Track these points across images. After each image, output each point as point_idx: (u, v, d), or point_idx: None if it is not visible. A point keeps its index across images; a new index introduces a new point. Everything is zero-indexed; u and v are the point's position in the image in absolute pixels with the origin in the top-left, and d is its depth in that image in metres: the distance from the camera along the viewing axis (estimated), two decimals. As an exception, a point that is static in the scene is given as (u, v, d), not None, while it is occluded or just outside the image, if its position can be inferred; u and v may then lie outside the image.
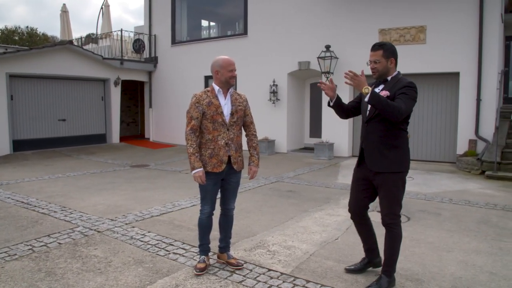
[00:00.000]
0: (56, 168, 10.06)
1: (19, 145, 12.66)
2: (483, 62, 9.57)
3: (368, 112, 3.47)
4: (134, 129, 18.62)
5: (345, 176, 8.68)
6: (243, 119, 3.90)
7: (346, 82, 3.30)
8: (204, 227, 3.92)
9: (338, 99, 3.67)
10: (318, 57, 11.18)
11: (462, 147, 10.01)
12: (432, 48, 10.18)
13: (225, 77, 3.70)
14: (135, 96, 18.40)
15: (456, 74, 10.10)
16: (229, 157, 3.76)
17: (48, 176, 8.92)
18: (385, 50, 3.37)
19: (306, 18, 12.05)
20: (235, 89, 13.47)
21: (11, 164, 10.77)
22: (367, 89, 3.13)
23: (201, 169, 3.64)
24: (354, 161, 10.71)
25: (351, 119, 11.65)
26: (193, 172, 3.65)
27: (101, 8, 17.38)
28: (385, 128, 3.34)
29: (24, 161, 11.23)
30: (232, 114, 3.76)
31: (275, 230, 5.13)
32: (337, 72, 11.26)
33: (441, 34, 10.06)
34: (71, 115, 14.13)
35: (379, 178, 3.40)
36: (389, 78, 3.42)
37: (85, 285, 3.62)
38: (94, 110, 14.81)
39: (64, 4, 17.79)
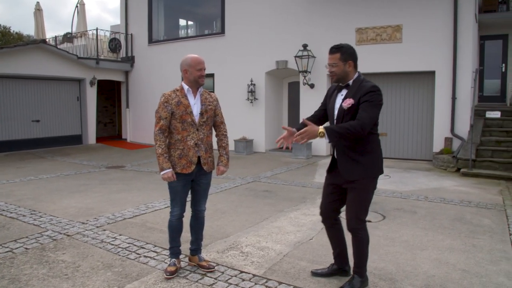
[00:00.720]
0: (28, 171, 9.78)
1: (-10, 147, 12.32)
2: (458, 61, 9.68)
3: (335, 117, 3.34)
4: (111, 129, 18.32)
5: (322, 175, 8.56)
6: (213, 119, 3.81)
7: (302, 143, 3.18)
8: (174, 229, 3.82)
9: (314, 121, 3.46)
10: (296, 56, 11.16)
11: (438, 145, 10.11)
12: (408, 47, 10.26)
13: (193, 76, 3.61)
14: (112, 96, 18.10)
15: (432, 73, 10.20)
16: (199, 157, 3.66)
17: (19, 179, 8.66)
18: (343, 53, 3.25)
19: (284, 18, 12.02)
20: (213, 88, 13.53)
21: (-18, 166, 10.44)
22: (321, 133, 3.01)
23: (170, 169, 3.55)
24: (332, 160, 10.80)
25: (329, 118, 11.65)
26: (162, 173, 3.55)
27: (76, 6, 17.06)
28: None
29: (-5, 164, 10.90)
30: (201, 114, 3.67)
31: (249, 231, 5.06)
32: (314, 71, 11.27)
33: (417, 33, 10.14)
34: (46, 116, 13.81)
35: (351, 183, 3.31)
36: (350, 82, 3.31)
37: (50, 292, 3.49)
38: (70, 110, 14.50)
39: (37, 2, 17.40)
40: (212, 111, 3.76)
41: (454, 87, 9.77)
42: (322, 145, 11.68)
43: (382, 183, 7.89)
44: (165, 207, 6.15)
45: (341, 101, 3.29)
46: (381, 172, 3.34)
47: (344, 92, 3.34)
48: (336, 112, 3.34)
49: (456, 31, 9.60)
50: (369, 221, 5.39)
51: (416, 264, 4.02)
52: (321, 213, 3.65)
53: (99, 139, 15.70)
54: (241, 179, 8.43)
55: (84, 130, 14.88)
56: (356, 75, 3.33)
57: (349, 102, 3.19)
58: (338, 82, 3.37)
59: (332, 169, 3.49)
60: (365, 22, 10.76)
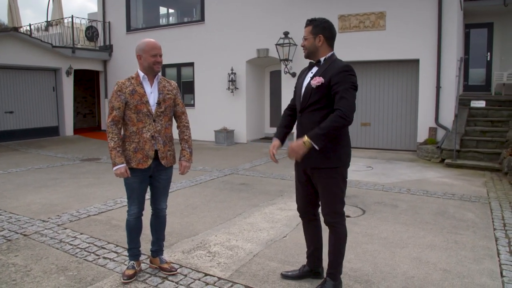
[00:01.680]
0: (-3, 164, 9.35)
1: (-40, 140, 11.82)
2: (442, 49, 9.43)
3: (301, 100, 3.05)
4: (91, 120, 17.79)
5: (304, 167, 8.38)
6: (172, 109, 3.46)
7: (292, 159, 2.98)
8: (132, 230, 3.50)
9: (287, 132, 3.30)
10: (277, 44, 10.81)
11: (422, 135, 9.90)
12: (391, 35, 9.97)
13: (147, 62, 3.24)
14: (91, 86, 17.54)
15: (416, 61, 9.94)
16: (156, 151, 3.33)
17: (-14, 173, 8.24)
18: (314, 26, 3.01)
19: (265, 5, 11.64)
20: (193, 77, 13.13)
21: (-51, 160, 9.97)
22: (306, 142, 2.80)
23: (123, 165, 3.21)
24: (314, 151, 10.55)
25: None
26: (114, 168, 3.22)
27: (52, -7, 16.41)
28: (321, 119, 2.88)
29: (-36, 157, 10.43)
30: (159, 103, 3.33)
31: (220, 228, 4.75)
32: (295, 59, 10.93)
33: (401, 21, 9.86)
34: (20, 107, 13.30)
35: (316, 174, 3.03)
36: (322, 59, 3.04)
37: (-7, 300, 3.16)
38: (45, 101, 14.00)
39: (12, -11, 16.70)
40: (171, 100, 3.41)
41: (439, 75, 9.52)
42: (304, 136, 11.38)
43: (364, 174, 7.65)
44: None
45: (310, 79, 3.01)
46: (347, 162, 3.05)
47: (314, 69, 3.06)
48: (303, 91, 3.05)
49: (440, 19, 9.32)
50: (348, 216, 5.12)
51: (395, 264, 3.75)
52: (298, 208, 3.33)
53: (77, 130, 15.22)
54: (219, 171, 8.11)
55: (61, 122, 14.40)
56: (330, 53, 3.05)
57: (319, 80, 2.91)
58: (308, 58, 3.11)
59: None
60: (347, 9, 10.44)
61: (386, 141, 10.67)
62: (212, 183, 7.08)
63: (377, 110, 10.67)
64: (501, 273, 3.58)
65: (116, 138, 3.24)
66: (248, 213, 5.30)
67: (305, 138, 2.81)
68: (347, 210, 5.35)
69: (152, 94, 3.32)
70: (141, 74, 3.33)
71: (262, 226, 4.79)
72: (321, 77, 2.92)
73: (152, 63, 3.24)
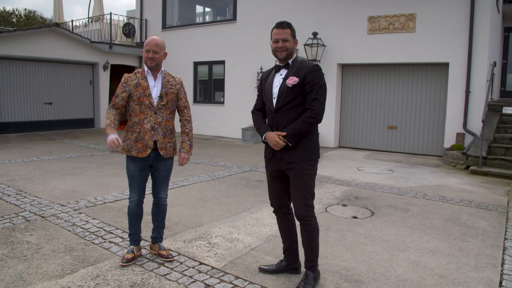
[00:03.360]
0: (33, 152, 9.86)
1: (3, 128, 12.50)
2: (474, 52, 9.16)
3: (275, 101, 3.19)
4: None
5: (323, 167, 8.39)
6: (175, 103, 3.63)
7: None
8: (133, 216, 3.67)
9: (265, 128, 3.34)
10: (305, 44, 10.81)
11: (449, 140, 9.66)
12: (421, 37, 9.78)
13: (144, 57, 3.45)
14: (128, 81, 18.08)
15: (446, 65, 9.70)
16: (156, 142, 3.48)
17: (21, 159, 8.72)
18: (292, 30, 3.20)
19: (294, 5, 11.68)
20: (223, 75, 13.33)
21: (-10, 146, 10.60)
22: (282, 139, 3.09)
23: (115, 135, 3.34)
24: (339, 152, 10.56)
25: (337, 109, 11.33)
26: (107, 139, 3.35)
27: (94, -10, 17.06)
28: (296, 117, 3.11)
29: (5, 144, 11.05)
30: (161, 96, 3.49)
31: (225, 221, 4.87)
32: (324, 60, 10.92)
33: (431, 23, 9.65)
34: (58, 99, 13.93)
35: (292, 168, 3.15)
36: (290, 61, 3.22)
37: (3, 273, 3.40)
38: (82, 94, 14.59)
39: (57, -14, 17.49)
40: (173, 94, 3.57)
41: (469, 79, 9.26)
42: (330, 137, 11.35)
43: (383, 178, 7.57)
44: (149, 193, 6.01)
45: (282, 80, 3.18)
46: (318, 156, 3.24)
47: (283, 72, 3.23)
48: (275, 90, 3.20)
49: (472, 22, 9.06)
50: (355, 217, 5.13)
51: (390, 266, 3.74)
52: (272, 204, 3.46)
53: (112, 123, 15.73)
54: (238, 167, 8.24)
55: (97, 114, 14.96)
56: (295, 55, 3.26)
57: (294, 79, 3.08)
58: (284, 59, 3.21)
59: (270, 156, 3.28)
60: (377, 10, 10.30)
61: (413, 145, 10.48)
62: (229, 179, 7.21)
63: (404, 113, 10.49)
64: (501, 283, 3.50)
65: (112, 118, 3.45)
66: (256, 209, 5.39)
67: (282, 137, 3.07)
68: (356, 211, 5.39)
69: (155, 88, 3.49)
70: (146, 68, 3.51)
71: (267, 222, 4.87)
72: (295, 77, 3.08)
73: (145, 59, 3.43)
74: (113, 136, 3.34)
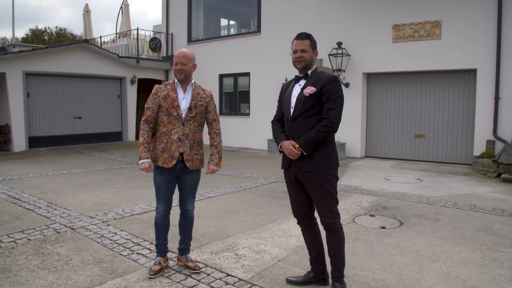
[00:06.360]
0: (63, 165, 10.11)
1: (35, 142, 12.88)
2: (502, 58, 8.96)
3: (292, 110, 3.23)
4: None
5: (350, 177, 8.30)
6: (204, 115, 3.67)
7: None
8: (160, 227, 3.71)
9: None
10: (329, 54, 10.79)
11: (479, 148, 9.42)
12: (447, 44, 9.63)
13: (173, 70, 3.53)
14: (154, 94, 18.42)
15: (473, 71, 9.52)
16: (182, 154, 3.52)
17: (52, 173, 8.95)
18: (312, 40, 3.22)
19: (318, 16, 11.70)
20: (248, 87, 13.40)
21: (23, 160, 10.92)
22: (297, 148, 3.10)
23: (148, 160, 3.46)
24: (366, 162, 10.44)
25: (364, 119, 11.21)
26: (140, 162, 3.49)
27: (121, 7, 17.52)
28: (312, 126, 3.13)
29: (36, 157, 11.37)
30: (190, 108, 3.54)
31: (252, 232, 4.86)
32: (349, 69, 10.86)
33: (457, 29, 9.50)
34: (87, 113, 14.28)
35: (310, 178, 3.15)
36: (309, 72, 3.24)
37: (35, 283, 3.47)
38: (110, 108, 14.92)
39: (86, 4, 18.08)
40: (203, 107, 3.61)
41: (498, 85, 9.04)
42: (356, 146, 11.23)
43: (411, 187, 7.43)
44: (176, 205, 6.06)
45: (300, 90, 3.21)
46: (337, 165, 3.22)
47: (302, 82, 3.27)
48: (293, 100, 3.24)
49: (500, 25, 8.87)
50: (384, 227, 5.04)
51: (421, 277, 3.65)
52: (295, 214, 3.46)
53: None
54: (264, 179, 8.24)
55: (124, 127, 15.26)
56: (315, 67, 3.28)
57: (311, 89, 3.11)
58: (302, 70, 3.25)
59: (287, 165, 3.31)
60: (402, 18, 10.22)
61: (441, 154, 10.26)
62: (256, 190, 7.22)
63: (431, 121, 10.31)
64: (538, 294, 3.38)
65: (146, 135, 3.51)
66: (283, 220, 5.37)
67: (298, 146, 3.09)
68: (385, 221, 5.30)
69: (184, 100, 3.55)
70: (176, 80, 3.58)
71: (294, 233, 4.84)
72: (313, 87, 3.11)
73: (174, 71, 3.50)
74: (146, 162, 3.45)
